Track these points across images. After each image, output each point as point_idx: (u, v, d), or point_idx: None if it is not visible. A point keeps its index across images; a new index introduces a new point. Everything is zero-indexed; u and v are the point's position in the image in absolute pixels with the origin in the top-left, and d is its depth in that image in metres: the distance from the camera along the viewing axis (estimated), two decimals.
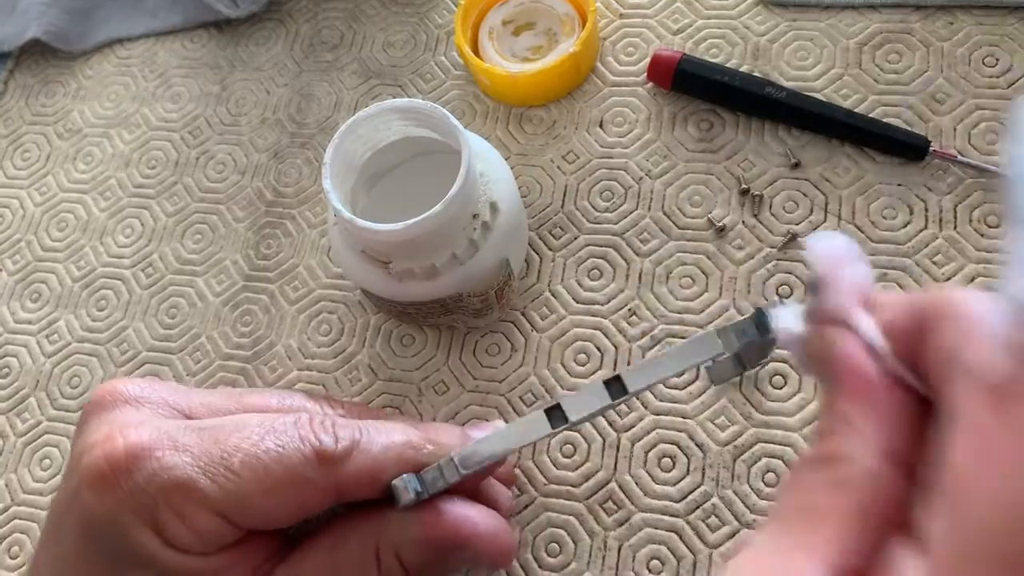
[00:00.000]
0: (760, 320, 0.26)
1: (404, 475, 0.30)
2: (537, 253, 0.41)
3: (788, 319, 0.24)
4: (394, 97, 0.47)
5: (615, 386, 0.29)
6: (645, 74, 0.43)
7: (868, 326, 0.20)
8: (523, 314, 0.40)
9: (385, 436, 0.30)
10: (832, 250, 0.22)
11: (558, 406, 0.29)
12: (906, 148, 0.39)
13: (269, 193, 0.46)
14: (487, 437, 0.30)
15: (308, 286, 0.43)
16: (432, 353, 0.40)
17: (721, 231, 0.40)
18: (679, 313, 0.39)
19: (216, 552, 0.28)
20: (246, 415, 0.30)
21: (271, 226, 0.45)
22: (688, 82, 0.42)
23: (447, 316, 0.39)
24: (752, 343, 0.27)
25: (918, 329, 0.19)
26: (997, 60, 0.41)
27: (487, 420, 0.38)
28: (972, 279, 0.37)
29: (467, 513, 0.30)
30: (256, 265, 0.44)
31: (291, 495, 0.28)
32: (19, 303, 0.46)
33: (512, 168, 0.43)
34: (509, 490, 0.35)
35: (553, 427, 0.29)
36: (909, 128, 0.40)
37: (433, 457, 0.30)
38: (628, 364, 0.38)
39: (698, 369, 0.37)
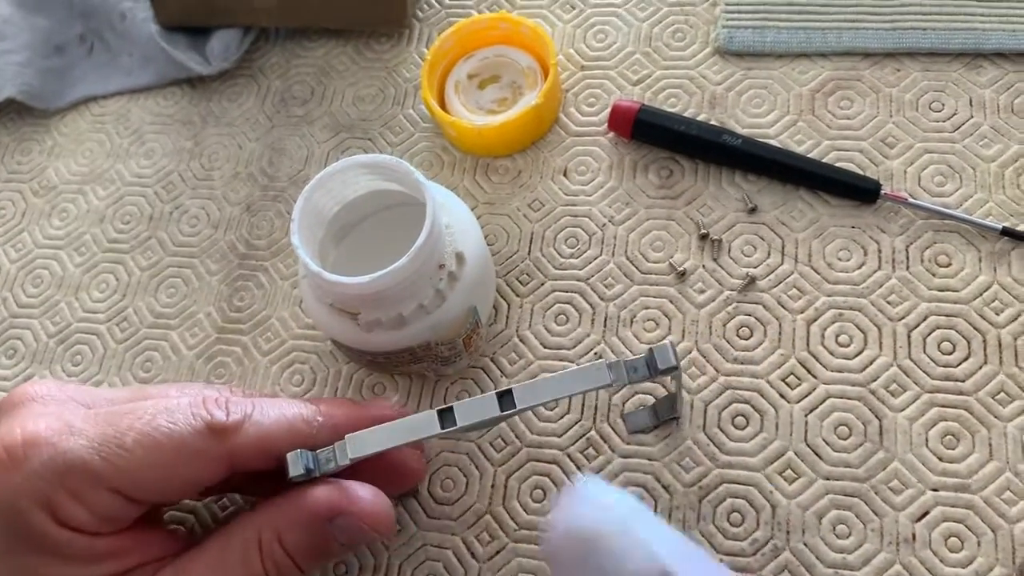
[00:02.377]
0: (651, 359, 0.29)
1: (299, 450, 0.31)
2: (505, 299, 0.42)
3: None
4: (364, 150, 0.48)
5: (506, 399, 0.31)
6: (606, 124, 0.45)
7: None
8: (492, 360, 0.41)
9: (278, 410, 0.32)
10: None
11: (450, 409, 0.31)
12: (859, 191, 0.41)
13: (242, 246, 0.47)
14: (378, 428, 0.31)
15: (281, 336, 0.44)
16: (403, 401, 0.41)
17: (682, 275, 0.41)
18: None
19: (112, 534, 0.30)
20: (144, 401, 0.32)
21: (244, 278, 0.46)
22: (647, 131, 0.43)
23: (417, 364, 0.39)
24: (663, 399, 0.29)
25: None
26: (943, 105, 0.42)
27: (454, 458, 0.39)
28: (925, 318, 0.38)
29: (339, 487, 0.32)
30: (229, 317, 0.45)
31: (183, 467, 0.30)
32: None
33: (479, 217, 0.44)
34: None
35: (443, 427, 0.31)
36: (861, 172, 0.41)
37: (323, 430, 0.32)
38: (584, 402, 0.39)
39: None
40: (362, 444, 0.31)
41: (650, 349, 0.29)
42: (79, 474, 0.29)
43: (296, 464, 0.31)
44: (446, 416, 0.31)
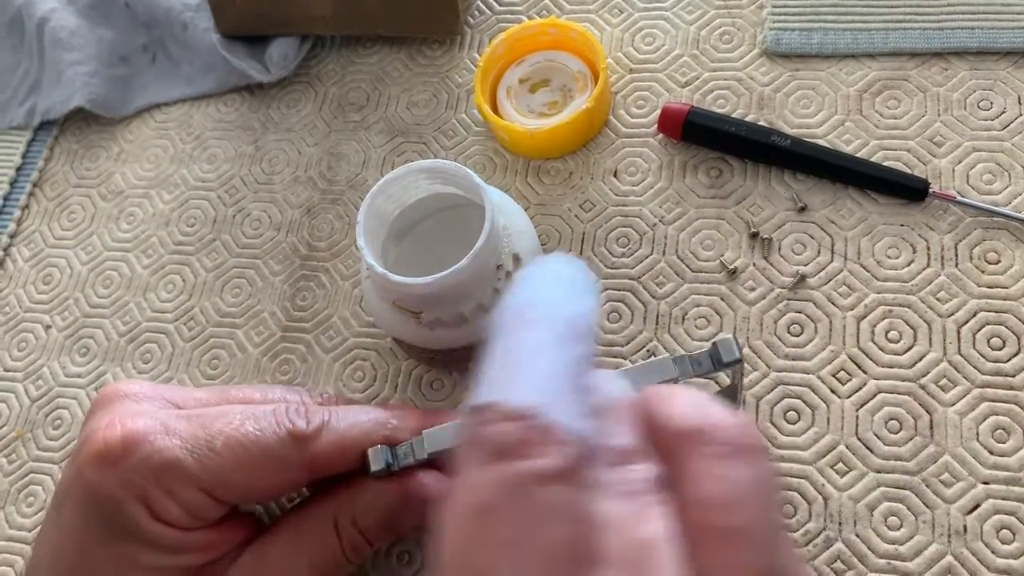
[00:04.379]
0: (715, 353, 0.30)
1: (379, 446, 0.33)
2: None
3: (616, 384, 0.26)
4: (419, 154, 0.49)
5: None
6: (656, 125, 0.46)
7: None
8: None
9: (353, 416, 0.34)
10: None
11: None
12: (907, 190, 0.41)
13: (303, 247, 0.48)
14: (453, 424, 0.33)
15: (342, 335, 0.45)
16: (461, 396, 0.42)
17: (733, 273, 0.42)
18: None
19: (199, 528, 0.32)
20: (232, 405, 0.35)
21: (306, 279, 0.47)
22: (697, 133, 0.44)
23: (475, 361, 0.41)
24: (720, 392, 0.30)
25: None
26: (991, 103, 0.43)
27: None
28: (975, 314, 0.39)
29: (407, 474, 0.34)
30: (293, 316, 0.46)
31: (268, 471, 0.32)
32: (68, 358, 0.49)
33: (532, 218, 0.45)
34: None
35: None
36: (909, 171, 0.42)
37: (398, 432, 0.34)
38: None
39: None
40: (439, 439, 0.33)
41: (713, 343, 0.30)
42: (173, 473, 0.31)
43: (377, 459, 0.33)
44: None
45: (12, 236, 0.54)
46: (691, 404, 0.22)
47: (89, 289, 0.51)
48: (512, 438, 0.20)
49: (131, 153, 0.55)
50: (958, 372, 0.38)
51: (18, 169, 0.56)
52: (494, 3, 0.53)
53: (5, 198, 0.55)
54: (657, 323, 0.42)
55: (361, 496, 0.34)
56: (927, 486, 0.36)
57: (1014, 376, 0.37)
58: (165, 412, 0.33)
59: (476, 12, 0.53)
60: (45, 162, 0.56)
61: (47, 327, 0.50)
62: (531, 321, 0.22)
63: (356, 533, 0.33)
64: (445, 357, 0.40)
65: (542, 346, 0.22)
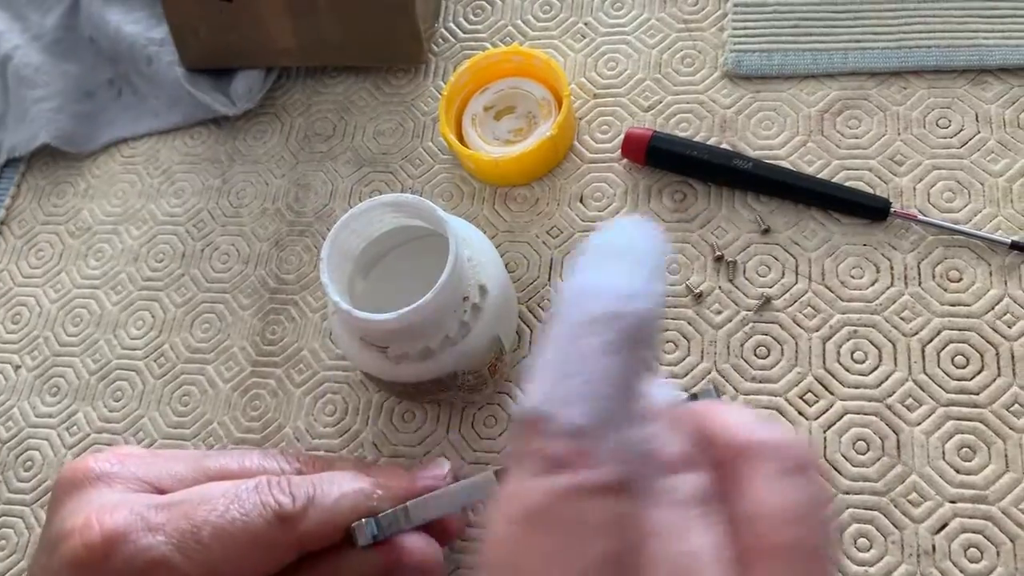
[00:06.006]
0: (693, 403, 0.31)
1: (363, 519, 0.33)
2: (527, 325, 0.44)
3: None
4: (387, 183, 0.49)
5: None
6: (620, 150, 0.46)
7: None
8: (518, 386, 0.42)
9: (337, 487, 0.34)
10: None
11: (505, 469, 0.32)
12: (869, 210, 0.42)
13: (272, 281, 0.48)
14: (439, 493, 0.33)
15: (313, 368, 0.45)
16: (432, 428, 0.42)
17: (699, 297, 0.42)
18: (664, 377, 0.41)
19: None
20: (211, 486, 0.33)
21: (275, 312, 0.47)
22: (660, 157, 0.45)
23: (444, 393, 0.41)
24: None
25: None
26: (950, 121, 0.43)
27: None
28: (938, 332, 0.39)
29: (410, 543, 0.34)
30: (263, 351, 0.46)
31: (257, 556, 0.32)
32: (39, 398, 0.48)
33: (499, 245, 0.45)
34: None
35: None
36: (871, 190, 0.42)
37: (383, 502, 0.34)
38: None
39: None
40: (424, 509, 0.33)
41: (693, 393, 0.30)
42: (162, 572, 0.30)
43: (364, 535, 0.33)
44: (503, 475, 0.32)
45: None
46: (749, 419, 0.22)
47: (59, 327, 0.50)
48: (563, 452, 0.20)
49: (98, 189, 0.55)
50: (923, 391, 0.38)
51: None
52: (458, 31, 0.53)
53: None
54: None
55: (347, 566, 0.33)
56: (895, 506, 0.36)
57: (978, 394, 0.37)
58: (142, 501, 0.32)
59: (440, 40, 0.53)
60: (12, 199, 0.56)
61: (16, 367, 0.50)
62: (590, 320, 0.21)
63: None
64: (414, 389, 0.40)
65: (599, 351, 0.20)
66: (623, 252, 0.22)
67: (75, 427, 0.47)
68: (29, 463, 0.47)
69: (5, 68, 0.57)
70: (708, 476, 0.22)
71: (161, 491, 0.34)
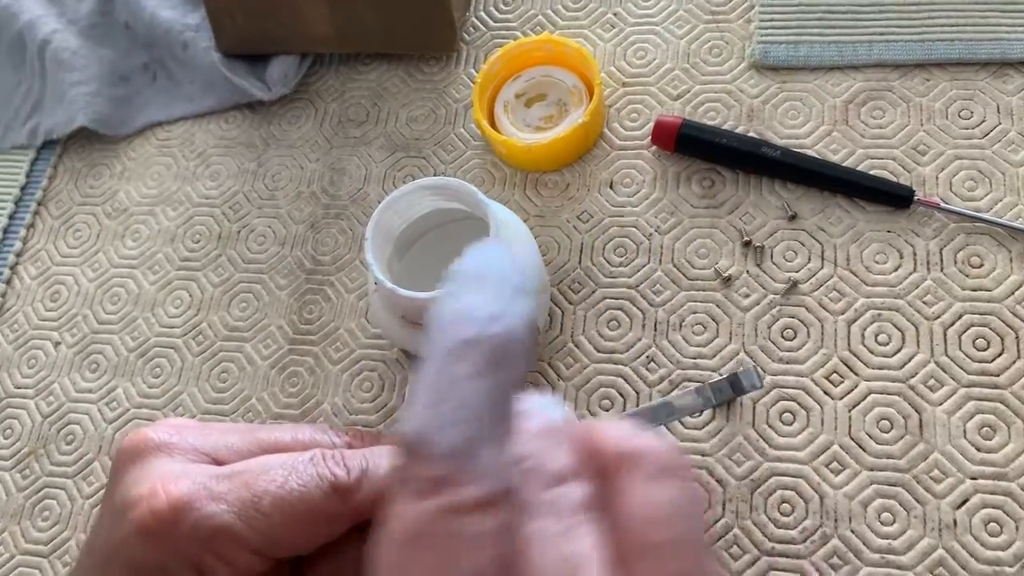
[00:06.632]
0: (735, 381, 0.35)
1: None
2: (559, 307, 0.45)
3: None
4: (419, 168, 0.51)
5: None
6: (649, 138, 0.47)
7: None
8: (549, 365, 0.44)
9: (388, 460, 0.35)
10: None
11: None
12: (893, 197, 0.43)
13: (308, 262, 0.49)
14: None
15: (349, 347, 0.47)
16: None
17: (727, 281, 0.43)
18: (693, 359, 0.42)
19: None
20: (268, 458, 0.35)
21: (312, 292, 0.49)
22: (689, 145, 0.46)
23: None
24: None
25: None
26: (972, 112, 0.45)
27: None
28: (960, 316, 0.40)
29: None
30: (300, 329, 0.48)
31: (314, 526, 0.33)
32: (79, 374, 0.50)
33: (531, 229, 0.46)
34: None
35: None
36: (895, 179, 0.44)
37: None
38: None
39: (714, 412, 0.40)
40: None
41: (735, 373, 0.32)
42: (225, 538, 0.31)
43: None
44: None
45: (19, 255, 0.55)
46: (626, 431, 0.24)
47: (97, 306, 0.52)
48: (437, 474, 0.21)
49: (134, 171, 0.56)
50: (945, 373, 0.39)
51: (23, 188, 0.57)
52: (489, 20, 0.54)
53: (10, 217, 0.56)
54: (656, 330, 0.43)
55: None
56: (918, 483, 0.38)
57: (999, 375, 0.39)
58: (204, 472, 0.33)
59: (471, 28, 0.54)
60: (49, 181, 0.57)
61: (56, 344, 0.51)
62: (456, 346, 0.22)
63: None
64: None
65: (465, 376, 0.22)
66: (482, 276, 0.23)
67: (115, 402, 0.48)
68: (71, 437, 0.48)
69: (43, 52, 0.58)
70: (593, 486, 0.23)
71: (217, 461, 0.35)
